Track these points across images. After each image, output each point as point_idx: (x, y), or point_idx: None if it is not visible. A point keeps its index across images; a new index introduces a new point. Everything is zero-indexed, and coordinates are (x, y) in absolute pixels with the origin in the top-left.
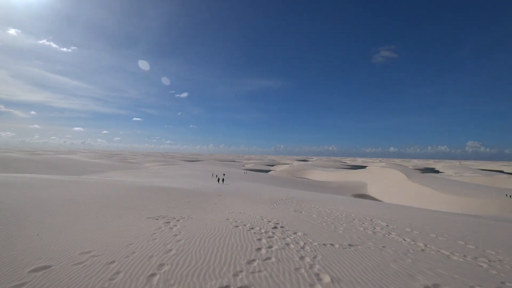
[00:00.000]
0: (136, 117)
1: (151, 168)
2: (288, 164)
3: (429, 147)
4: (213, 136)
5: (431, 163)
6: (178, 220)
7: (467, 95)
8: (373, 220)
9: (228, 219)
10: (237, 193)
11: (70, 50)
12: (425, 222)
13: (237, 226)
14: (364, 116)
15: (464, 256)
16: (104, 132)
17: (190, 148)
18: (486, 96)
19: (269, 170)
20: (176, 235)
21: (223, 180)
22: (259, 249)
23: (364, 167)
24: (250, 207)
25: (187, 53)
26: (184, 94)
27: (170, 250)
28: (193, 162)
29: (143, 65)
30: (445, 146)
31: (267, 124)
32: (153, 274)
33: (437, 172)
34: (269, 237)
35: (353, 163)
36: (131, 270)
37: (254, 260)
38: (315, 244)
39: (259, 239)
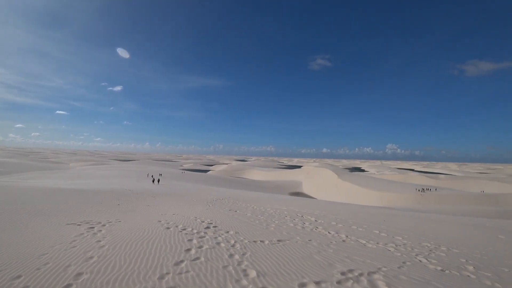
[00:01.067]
0: (60, 110)
1: (77, 168)
2: (227, 164)
3: (356, 149)
4: (149, 134)
5: (357, 163)
6: (104, 225)
7: (388, 104)
8: (303, 216)
9: (160, 221)
10: (173, 194)
11: None
12: (349, 216)
13: (169, 228)
14: (301, 118)
15: (377, 243)
16: (18, 126)
17: (124, 147)
18: (402, 106)
19: (208, 170)
20: (99, 241)
21: (158, 180)
22: (188, 250)
23: (299, 167)
24: (185, 208)
25: (123, 43)
26: (118, 88)
27: (91, 257)
28: (127, 162)
29: (71, 51)
30: (370, 148)
31: (206, 123)
32: (69, 285)
33: (363, 171)
34: (201, 237)
35: (290, 163)
36: (42, 283)
37: (182, 261)
38: (246, 241)
39: (190, 240)
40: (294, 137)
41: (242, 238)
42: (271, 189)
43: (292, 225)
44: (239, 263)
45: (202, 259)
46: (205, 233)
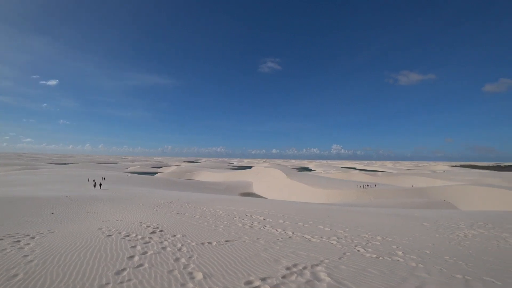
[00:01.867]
0: None
1: (1, 174)
2: (176, 165)
3: (304, 149)
4: (90, 135)
5: (305, 163)
6: (32, 237)
7: (333, 107)
8: (252, 216)
9: (101, 229)
10: (117, 199)
11: None
12: (296, 213)
13: (110, 235)
14: (251, 119)
15: (321, 237)
16: None
17: (60, 148)
18: (345, 109)
19: (156, 173)
20: (26, 255)
21: (100, 185)
22: (131, 257)
23: (250, 167)
24: (130, 213)
25: (61, 30)
26: (53, 82)
27: (15, 275)
28: (64, 165)
29: None
30: (316, 149)
31: (154, 123)
32: None
33: (310, 170)
34: (145, 242)
35: (240, 164)
36: None
37: (124, 269)
38: (193, 244)
39: (134, 247)
40: (244, 138)
41: (189, 241)
42: (221, 191)
43: (240, 225)
44: (185, 267)
45: (146, 265)
46: (151, 238)
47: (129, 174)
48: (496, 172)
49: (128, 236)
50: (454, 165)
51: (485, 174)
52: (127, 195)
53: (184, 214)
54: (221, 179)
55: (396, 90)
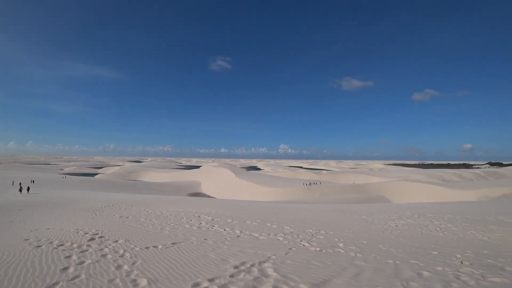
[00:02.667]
0: None
1: None
2: (119, 165)
3: (252, 149)
4: (15, 131)
5: (254, 162)
6: None
7: (281, 108)
8: (200, 216)
9: (28, 240)
10: (50, 204)
11: None
12: (244, 212)
13: (40, 246)
14: (200, 118)
15: (269, 234)
16: None
17: None
18: (293, 111)
19: (96, 173)
20: None
21: (28, 189)
22: (65, 268)
23: (198, 167)
24: (65, 220)
25: None
26: None
27: None
28: None
29: None
30: (265, 148)
31: (95, 120)
32: None
33: (259, 169)
34: (82, 251)
35: (188, 164)
36: None
37: (57, 283)
38: (137, 249)
39: (68, 257)
40: (193, 137)
41: (133, 246)
42: (168, 191)
43: (188, 226)
44: (128, 274)
45: (83, 276)
46: (89, 246)
47: (64, 175)
48: (421, 169)
49: (61, 245)
50: (388, 163)
51: (412, 172)
52: (62, 200)
53: (128, 217)
54: (168, 179)
55: (339, 94)
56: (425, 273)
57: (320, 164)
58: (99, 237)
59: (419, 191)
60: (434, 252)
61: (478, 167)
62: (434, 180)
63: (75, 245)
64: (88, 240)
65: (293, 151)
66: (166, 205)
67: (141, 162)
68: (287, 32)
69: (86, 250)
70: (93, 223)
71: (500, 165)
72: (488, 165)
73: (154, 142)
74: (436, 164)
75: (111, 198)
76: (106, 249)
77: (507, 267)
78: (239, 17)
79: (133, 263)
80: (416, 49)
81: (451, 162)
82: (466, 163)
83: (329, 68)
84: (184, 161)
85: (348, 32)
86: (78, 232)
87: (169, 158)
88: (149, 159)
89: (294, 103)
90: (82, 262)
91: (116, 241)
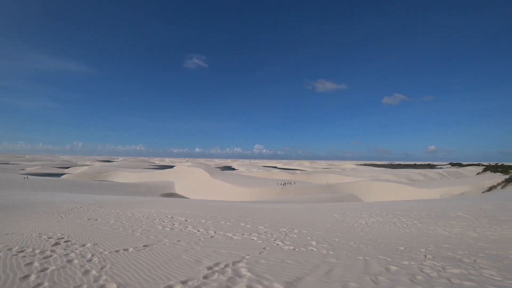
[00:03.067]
0: None
1: None
2: (88, 165)
3: (227, 149)
4: None
5: (229, 162)
6: None
7: (256, 108)
8: (173, 217)
9: None
10: (9, 207)
11: None
12: (218, 212)
13: None
14: (173, 117)
15: (243, 234)
16: None
17: None
18: (268, 111)
19: (62, 174)
20: None
21: None
22: (26, 276)
23: (172, 166)
24: (26, 224)
25: None
26: None
27: None
28: None
29: None
30: (239, 148)
31: (61, 117)
32: None
33: (234, 169)
34: (46, 257)
35: (161, 163)
36: None
37: None
38: (106, 253)
39: (30, 264)
40: (166, 136)
41: (101, 250)
42: (141, 192)
43: (160, 227)
44: (96, 279)
45: (46, 284)
46: (53, 251)
47: (26, 176)
48: (390, 169)
49: (22, 251)
50: (359, 163)
51: (382, 171)
52: (23, 202)
53: (96, 220)
54: (140, 179)
55: (314, 96)
56: (393, 268)
57: (294, 164)
58: (64, 242)
59: (388, 190)
60: (401, 248)
61: (441, 167)
62: (402, 180)
63: (37, 251)
64: (52, 245)
65: (267, 151)
66: (138, 206)
67: (111, 161)
68: (263, 32)
69: (50, 256)
70: (58, 227)
71: (460, 165)
72: (450, 165)
73: (125, 141)
74: (403, 164)
75: (78, 200)
76: (72, 254)
77: (464, 259)
78: (216, 16)
79: (102, 268)
80: (387, 54)
81: (417, 163)
82: (430, 164)
83: (304, 70)
84: (157, 161)
85: (324, 34)
86: (41, 236)
87: (141, 158)
88: (120, 158)
89: (269, 103)
90: (45, 269)
91: (84, 245)
